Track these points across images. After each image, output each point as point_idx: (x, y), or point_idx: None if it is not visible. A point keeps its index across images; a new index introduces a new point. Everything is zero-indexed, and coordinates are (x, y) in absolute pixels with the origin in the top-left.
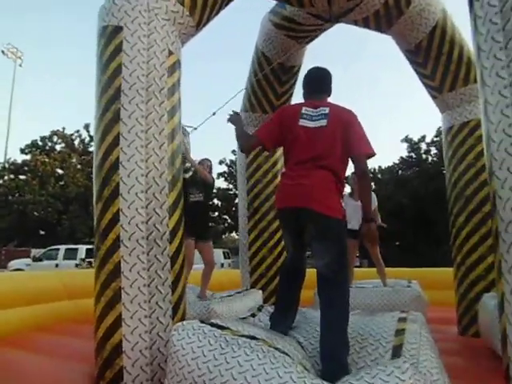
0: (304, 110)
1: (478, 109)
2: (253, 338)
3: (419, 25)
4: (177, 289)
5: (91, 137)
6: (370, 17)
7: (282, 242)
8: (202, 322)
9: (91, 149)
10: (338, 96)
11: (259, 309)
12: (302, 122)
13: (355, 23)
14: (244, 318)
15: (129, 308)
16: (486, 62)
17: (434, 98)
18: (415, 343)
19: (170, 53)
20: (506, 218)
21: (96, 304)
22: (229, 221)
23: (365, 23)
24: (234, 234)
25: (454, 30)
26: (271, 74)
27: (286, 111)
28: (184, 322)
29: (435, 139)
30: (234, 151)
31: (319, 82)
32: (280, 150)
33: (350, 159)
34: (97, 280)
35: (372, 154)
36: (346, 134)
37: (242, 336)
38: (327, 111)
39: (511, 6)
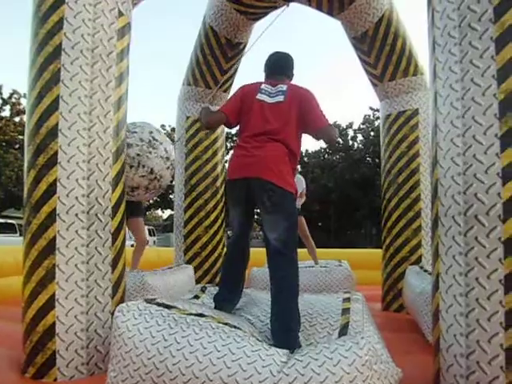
0: (263, 86)
1: (414, 100)
2: (201, 315)
3: (367, 14)
4: (117, 266)
5: (3, 99)
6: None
7: (218, 222)
8: (148, 301)
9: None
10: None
11: (202, 290)
12: (260, 96)
13: (309, 4)
14: (186, 300)
15: (64, 287)
16: (441, 56)
17: (374, 85)
18: (359, 321)
19: (120, 13)
20: (446, 204)
21: (25, 284)
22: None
23: (318, 5)
24: (158, 211)
25: (398, 23)
26: (218, 48)
27: (246, 87)
28: (129, 303)
29: (362, 126)
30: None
31: (280, 65)
32: (219, 129)
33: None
34: (26, 257)
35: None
36: (302, 110)
37: (190, 314)
38: (285, 88)
39: (468, 4)
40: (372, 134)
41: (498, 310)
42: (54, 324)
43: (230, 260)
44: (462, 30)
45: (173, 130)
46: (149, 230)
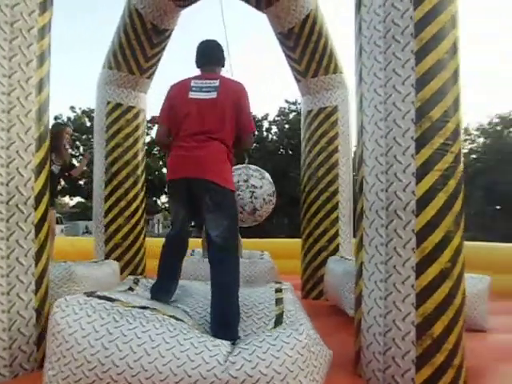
0: (193, 83)
1: (334, 97)
2: (145, 308)
3: (294, 11)
4: (41, 260)
5: None
6: None
7: (139, 212)
8: (88, 295)
9: None
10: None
11: (135, 282)
12: (192, 95)
13: None
14: (123, 292)
15: None
16: (367, 62)
17: (297, 81)
18: (292, 310)
19: None
20: (371, 199)
21: None
22: (62, 183)
23: None
24: (66, 198)
25: (323, 23)
26: (143, 33)
27: (173, 89)
28: (67, 297)
29: (277, 118)
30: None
31: (209, 54)
32: (141, 116)
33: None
34: None
35: (254, 130)
36: (235, 107)
37: (134, 307)
38: (217, 84)
39: (392, 18)
40: (287, 126)
41: (410, 292)
42: None
43: (168, 252)
44: (386, 40)
45: (83, 112)
46: (56, 218)
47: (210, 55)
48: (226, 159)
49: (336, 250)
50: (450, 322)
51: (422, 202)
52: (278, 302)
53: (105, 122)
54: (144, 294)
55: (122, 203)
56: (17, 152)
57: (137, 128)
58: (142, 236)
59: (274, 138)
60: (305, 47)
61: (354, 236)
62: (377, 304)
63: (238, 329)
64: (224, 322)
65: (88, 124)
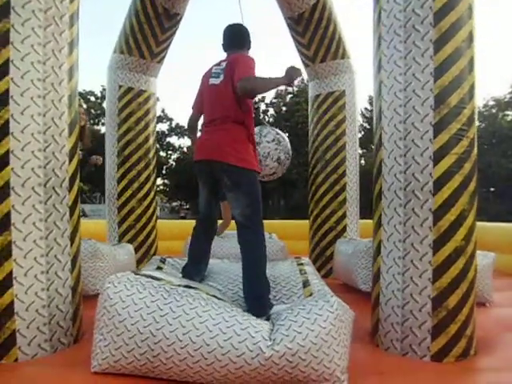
0: (214, 69)
1: (342, 81)
2: (189, 287)
3: None
4: (75, 240)
5: None
6: None
7: (151, 194)
8: (136, 273)
9: None
10: None
11: (162, 261)
12: (211, 81)
13: None
14: (158, 271)
15: (22, 264)
16: (386, 51)
17: (306, 66)
18: (316, 280)
19: None
20: (390, 181)
21: None
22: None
23: None
24: None
25: (331, 9)
26: (154, 18)
27: (204, 76)
28: (118, 274)
29: (274, 101)
30: None
31: (230, 37)
32: (152, 100)
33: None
34: None
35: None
36: (233, 77)
37: (180, 285)
38: (224, 65)
39: (413, 7)
40: (284, 108)
41: (427, 268)
42: (12, 303)
43: (197, 235)
44: (406, 29)
45: (79, 94)
46: None
47: (229, 39)
48: (244, 139)
49: (344, 230)
50: (464, 296)
51: (439, 183)
52: (302, 271)
53: (117, 105)
54: (173, 272)
55: (135, 185)
56: (52, 136)
57: (148, 112)
58: (155, 218)
59: (271, 120)
60: (314, 33)
61: (362, 217)
62: (395, 279)
63: (270, 297)
64: (256, 295)
65: (84, 106)
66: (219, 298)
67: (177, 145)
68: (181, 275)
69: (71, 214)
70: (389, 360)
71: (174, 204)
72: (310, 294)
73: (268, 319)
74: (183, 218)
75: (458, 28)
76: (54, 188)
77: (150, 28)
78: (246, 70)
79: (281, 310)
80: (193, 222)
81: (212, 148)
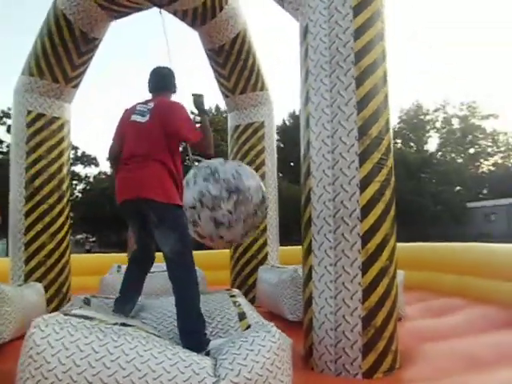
0: (139, 106)
1: (261, 113)
2: (125, 325)
3: (226, 29)
4: None
5: None
6: (189, 11)
7: (66, 227)
8: (66, 314)
9: None
10: None
11: (86, 302)
12: (134, 117)
13: (174, 13)
14: (81, 307)
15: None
16: (314, 84)
17: (225, 97)
18: (251, 311)
19: None
20: (318, 208)
21: None
22: None
23: (183, 16)
24: None
25: (251, 43)
26: (71, 41)
27: (126, 111)
28: (45, 316)
29: None
30: None
31: (156, 80)
32: (66, 127)
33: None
34: None
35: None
36: (167, 123)
37: (115, 324)
38: (152, 106)
39: (337, 46)
40: None
41: (357, 289)
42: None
43: (133, 269)
44: (331, 65)
45: None
46: None
47: (156, 82)
48: (166, 177)
49: (265, 258)
50: (389, 313)
51: (366, 210)
52: (236, 303)
53: (25, 132)
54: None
55: (46, 219)
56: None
57: (62, 140)
58: (68, 253)
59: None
60: (234, 64)
61: (282, 244)
62: (327, 303)
63: (206, 332)
64: (191, 331)
65: None
66: (158, 335)
67: (83, 174)
68: (112, 313)
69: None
70: (324, 381)
71: (79, 237)
72: (248, 327)
73: (208, 354)
74: (88, 251)
75: (375, 67)
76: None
77: (66, 51)
78: (189, 125)
79: (220, 345)
80: (108, 256)
81: (135, 186)
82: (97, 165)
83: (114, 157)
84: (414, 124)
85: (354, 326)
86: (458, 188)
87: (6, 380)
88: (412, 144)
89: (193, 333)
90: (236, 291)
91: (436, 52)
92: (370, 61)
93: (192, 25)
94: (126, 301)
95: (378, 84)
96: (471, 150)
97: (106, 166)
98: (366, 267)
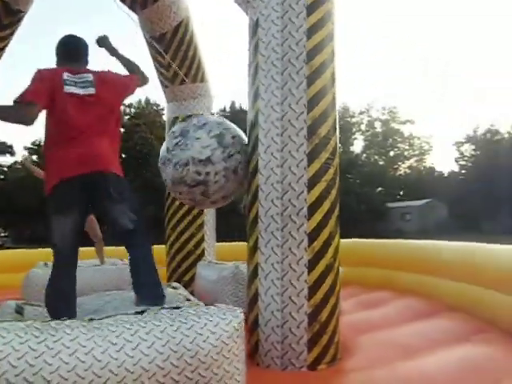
0: (65, 75)
1: (200, 105)
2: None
3: (168, 17)
4: None
5: None
6: None
7: None
8: None
9: None
10: None
11: (19, 311)
12: (68, 89)
13: None
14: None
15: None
16: (264, 80)
17: (165, 87)
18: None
19: None
20: (266, 206)
21: None
22: None
23: None
24: None
25: (193, 33)
26: None
27: (46, 74)
28: None
29: None
30: None
31: (78, 50)
32: None
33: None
34: None
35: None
36: (116, 91)
37: (50, 321)
38: (91, 78)
39: (289, 43)
40: (122, 130)
41: (303, 287)
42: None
43: (67, 271)
44: (283, 62)
45: None
46: None
47: (79, 52)
48: (116, 151)
49: (202, 254)
50: (332, 308)
51: (313, 208)
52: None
53: None
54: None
55: None
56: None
57: None
58: None
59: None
60: (175, 54)
61: (218, 240)
62: (274, 300)
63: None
64: (156, 281)
65: None
66: (98, 319)
67: None
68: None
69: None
70: (270, 375)
71: None
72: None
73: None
74: (1, 246)
75: (325, 67)
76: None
77: None
78: (136, 80)
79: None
80: (28, 251)
81: (94, 160)
82: (12, 154)
83: (33, 119)
84: (341, 126)
85: (300, 323)
86: (380, 189)
87: None
88: (339, 145)
89: (157, 284)
90: (177, 285)
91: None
92: (321, 60)
93: (132, 8)
94: (72, 310)
95: (328, 84)
96: (391, 153)
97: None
98: (312, 265)
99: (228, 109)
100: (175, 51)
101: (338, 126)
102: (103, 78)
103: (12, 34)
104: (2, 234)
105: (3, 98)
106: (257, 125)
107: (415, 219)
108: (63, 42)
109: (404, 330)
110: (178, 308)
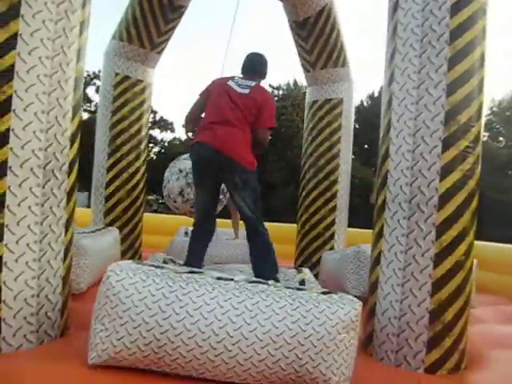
0: (237, 77)
1: (340, 89)
2: (193, 272)
3: (312, 2)
4: (69, 229)
5: None
6: None
7: (141, 185)
8: (137, 262)
9: None
10: None
11: (165, 261)
12: (230, 83)
13: None
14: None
15: (13, 249)
16: (401, 64)
17: (306, 71)
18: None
19: None
20: (394, 192)
21: None
22: None
23: None
24: None
25: (336, 18)
26: (158, 8)
27: (217, 80)
28: (119, 262)
29: None
30: None
31: (252, 65)
32: (148, 90)
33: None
34: None
35: (273, 127)
36: (258, 107)
37: (184, 272)
38: (253, 85)
39: (430, 23)
40: None
41: (427, 281)
42: None
43: (197, 237)
44: (422, 44)
45: None
46: None
47: (253, 66)
48: (249, 145)
49: (331, 237)
50: (460, 310)
51: (444, 199)
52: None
53: (112, 93)
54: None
55: (124, 175)
56: (56, 118)
57: (143, 102)
58: (141, 211)
59: None
60: (317, 38)
61: (350, 226)
62: (394, 290)
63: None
64: (272, 265)
65: None
66: (226, 279)
67: (159, 138)
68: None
69: (68, 201)
70: (382, 371)
71: (150, 198)
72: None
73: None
74: (155, 211)
75: (472, 48)
76: (53, 171)
77: (153, 18)
78: (271, 119)
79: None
80: (174, 218)
81: (224, 143)
82: (172, 130)
83: (197, 115)
84: (507, 117)
85: (419, 319)
86: None
87: (87, 317)
88: (501, 138)
89: (274, 264)
90: (305, 269)
91: None
92: (467, 40)
93: None
94: (192, 263)
95: (474, 67)
96: None
97: (181, 133)
98: (438, 259)
99: (376, 94)
100: (317, 36)
101: (483, 113)
102: (259, 92)
103: (175, 26)
104: (160, 202)
105: None
106: (390, 109)
107: None
108: (245, 57)
109: None
110: (301, 290)
